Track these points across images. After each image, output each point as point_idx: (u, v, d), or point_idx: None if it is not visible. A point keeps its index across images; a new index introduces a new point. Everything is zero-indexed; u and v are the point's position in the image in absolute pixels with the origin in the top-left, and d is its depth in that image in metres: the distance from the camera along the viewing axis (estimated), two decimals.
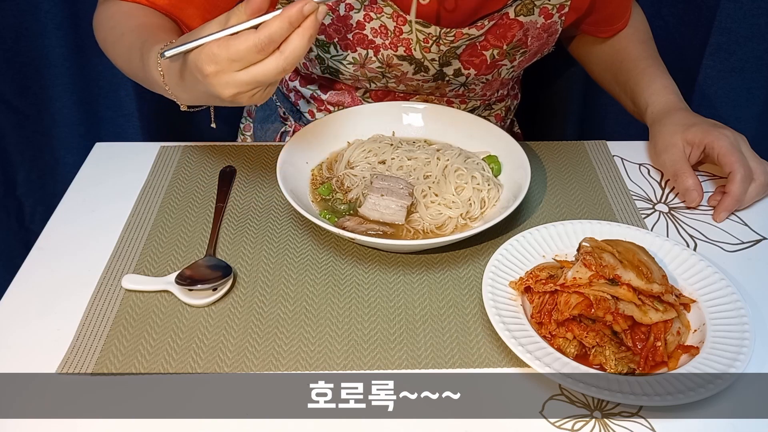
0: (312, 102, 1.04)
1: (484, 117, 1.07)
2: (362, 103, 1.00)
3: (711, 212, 0.86)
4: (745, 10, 1.06)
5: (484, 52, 0.91)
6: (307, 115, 1.07)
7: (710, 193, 0.88)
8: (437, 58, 0.90)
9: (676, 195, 0.88)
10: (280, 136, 1.11)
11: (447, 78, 0.93)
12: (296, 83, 1.04)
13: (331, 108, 1.03)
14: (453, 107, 1.01)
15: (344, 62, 0.91)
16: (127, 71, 0.87)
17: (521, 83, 1.19)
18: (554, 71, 1.37)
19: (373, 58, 0.90)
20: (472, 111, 1.05)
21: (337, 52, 0.90)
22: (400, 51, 0.89)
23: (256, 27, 0.64)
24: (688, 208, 0.86)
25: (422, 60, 0.90)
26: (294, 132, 1.08)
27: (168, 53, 0.68)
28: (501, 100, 1.09)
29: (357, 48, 0.89)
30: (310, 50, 0.91)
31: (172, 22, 0.88)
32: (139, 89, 1.25)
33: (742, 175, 0.82)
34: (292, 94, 1.06)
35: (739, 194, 0.82)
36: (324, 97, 1.02)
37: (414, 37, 0.87)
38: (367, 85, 0.96)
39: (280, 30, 0.63)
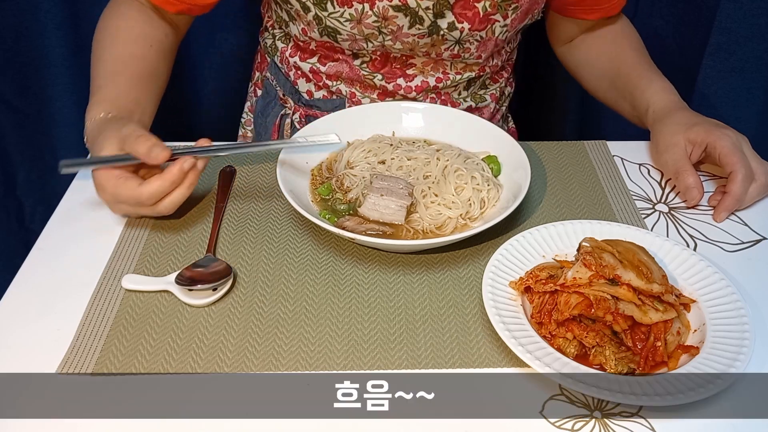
0: (311, 78, 1.05)
1: (480, 95, 1.07)
2: (360, 72, 1.01)
3: (711, 212, 0.86)
4: (745, 10, 1.06)
5: (476, 4, 0.92)
6: (305, 95, 1.07)
7: (711, 193, 0.88)
8: (431, 6, 0.91)
9: (677, 194, 0.88)
10: (280, 119, 1.11)
11: (441, 32, 0.94)
12: (296, 59, 1.05)
13: (329, 83, 1.04)
14: (448, 77, 1.01)
15: (341, 20, 0.92)
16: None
17: (516, 73, 1.18)
18: (554, 71, 1.37)
19: (369, 12, 0.91)
20: (467, 87, 1.05)
21: (334, 8, 0.92)
22: (395, 1, 0.90)
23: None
24: (689, 207, 0.86)
25: (417, 9, 0.91)
26: (294, 113, 1.09)
27: (63, 170, 0.77)
28: (495, 78, 1.09)
29: (353, 3, 0.90)
30: (308, 10, 0.93)
31: (160, 43, 0.95)
32: None
33: (743, 175, 0.82)
34: (291, 73, 1.07)
35: (740, 194, 0.82)
36: (323, 69, 1.03)
37: None
38: (364, 46, 0.97)
39: (160, 189, 0.75)
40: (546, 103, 1.49)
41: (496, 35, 0.97)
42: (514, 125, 1.25)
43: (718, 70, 1.12)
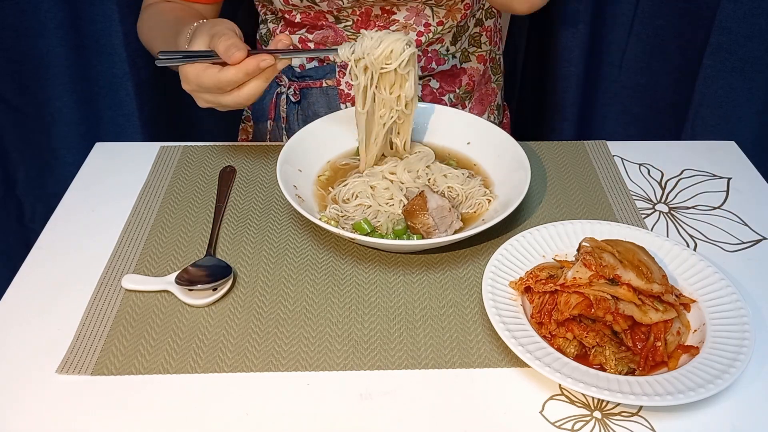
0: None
1: (469, 53, 1.07)
2: (345, 33, 1.02)
3: (711, 212, 0.86)
4: (745, 9, 1.06)
5: None
6: (298, 69, 1.09)
7: (712, 193, 0.87)
8: None
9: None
10: (276, 97, 1.12)
11: None
12: (286, 33, 1.06)
13: (319, 53, 1.05)
14: (430, 29, 1.01)
15: None
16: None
17: (516, 73, 1.17)
18: (554, 71, 1.37)
19: None
20: (454, 42, 1.04)
21: None
22: None
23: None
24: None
25: None
26: (288, 88, 1.09)
27: (158, 63, 0.81)
28: (478, 41, 1.09)
29: None
30: None
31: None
32: (139, 89, 1.25)
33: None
34: None
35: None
36: (311, 38, 1.04)
37: None
38: (341, 3, 0.97)
39: (236, 78, 0.77)
40: (546, 103, 1.49)
41: None
42: (509, 116, 1.25)
43: (718, 69, 1.12)
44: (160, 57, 0.80)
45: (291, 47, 0.81)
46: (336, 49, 0.83)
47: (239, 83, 0.78)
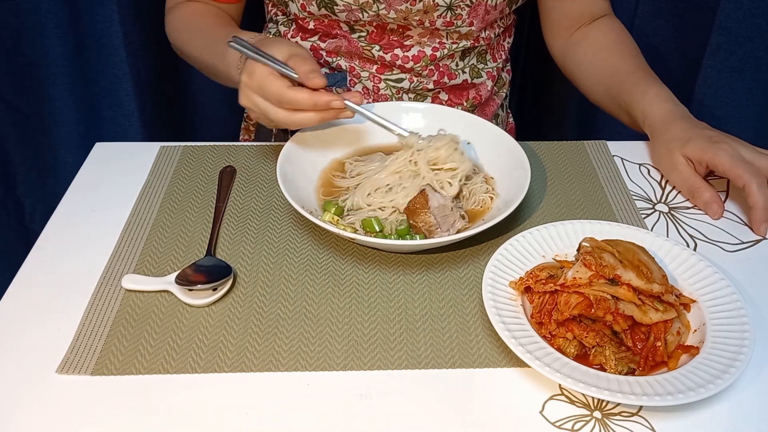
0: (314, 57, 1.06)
1: (477, 70, 1.08)
2: (359, 44, 1.02)
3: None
4: (745, 10, 1.06)
5: None
6: None
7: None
8: None
9: (694, 206, 0.87)
10: None
11: None
12: (297, 39, 1.06)
13: (329, 60, 1.05)
14: (444, 46, 1.02)
15: None
16: (202, 62, 1.02)
17: (517, 73, 1.18)
18: (555, 71, 1.37)
19: None
20: (463, 57, 1.05)
21: None
22: None
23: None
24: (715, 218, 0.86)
25: None
26: None
27: (232, 44, 0.83)
28: (494, 56, 1.10)
29: None
30: None
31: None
32: (139, 89, 1.25)
33: (757, 183, 0.80)
34: None
35: (764, 201, 0.81)
36: (323, 46, 1.04)
37: None
38: (360, 16, 0.97)
39: (302, 102, 0.79)
40: (546, 103, 1.49)
41: (487, 1, 0.97)
42: (513, 122, 1.25)
43: (718, 70, 1.12)
44: (234, 41, 0.83)
45: (363, 103, 0.83)
46: (406, 135, 0.87)
47: (300, 108, 0.79)
